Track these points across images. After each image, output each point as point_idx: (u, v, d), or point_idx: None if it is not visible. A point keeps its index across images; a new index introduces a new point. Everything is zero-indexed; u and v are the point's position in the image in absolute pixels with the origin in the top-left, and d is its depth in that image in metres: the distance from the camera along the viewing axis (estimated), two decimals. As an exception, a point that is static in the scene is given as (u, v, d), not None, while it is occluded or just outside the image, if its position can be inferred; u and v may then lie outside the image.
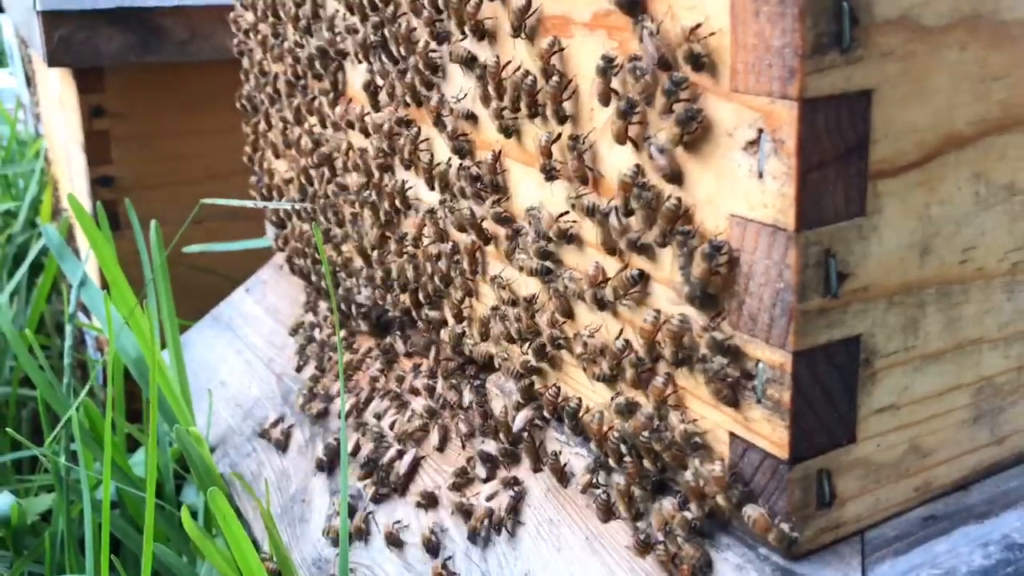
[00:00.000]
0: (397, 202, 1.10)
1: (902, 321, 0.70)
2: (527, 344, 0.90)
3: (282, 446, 1.20)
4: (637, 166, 0.73)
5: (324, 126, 1.25)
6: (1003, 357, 0.76)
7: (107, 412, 1.12)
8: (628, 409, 0.78)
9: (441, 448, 1.03)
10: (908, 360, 0.71)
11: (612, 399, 0.80)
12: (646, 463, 0.78)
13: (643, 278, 0.76)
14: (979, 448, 0.77)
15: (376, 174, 1.14)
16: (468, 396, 1.00)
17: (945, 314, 0.72)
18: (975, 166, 0.70)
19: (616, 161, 0.77)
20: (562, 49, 0.79)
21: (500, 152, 0.91)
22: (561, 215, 0.84)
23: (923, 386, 0.73)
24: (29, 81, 2.84)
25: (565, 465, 0.88)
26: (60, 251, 1.51)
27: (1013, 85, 0.69)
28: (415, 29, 0.99)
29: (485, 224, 0.95)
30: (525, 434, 0.92)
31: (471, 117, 0.94)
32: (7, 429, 1.27)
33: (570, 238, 0.84)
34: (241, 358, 1.48)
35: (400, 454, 1.04)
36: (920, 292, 0.70)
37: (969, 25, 0.66)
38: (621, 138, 0.74)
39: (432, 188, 1.02)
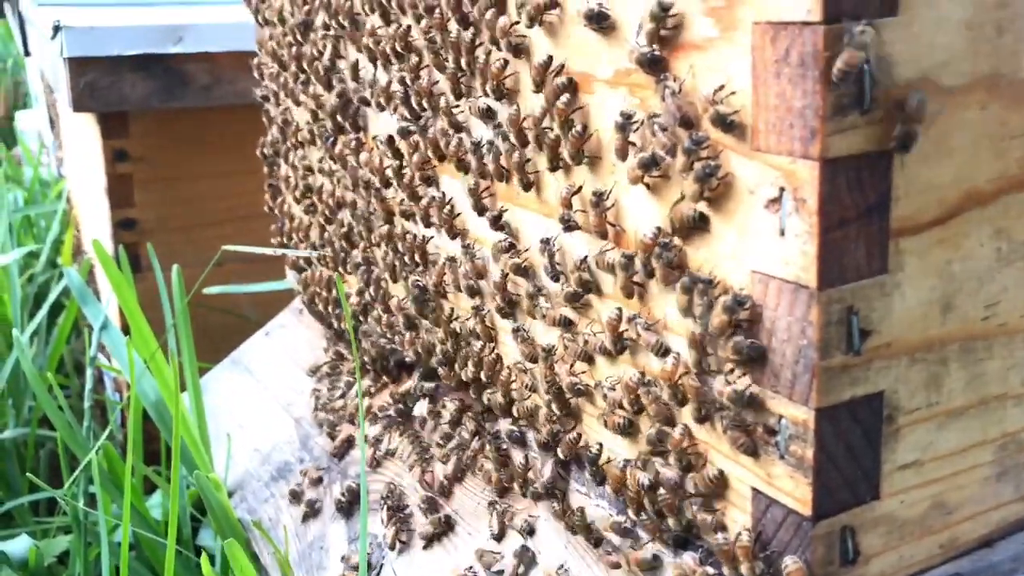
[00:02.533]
0: (416, 256, 1.11)
1: (925, 377, 0.70)
2: (548, 394, 0.90)
3: (312, 509, 1.20)
4: (658, 228, 0.74)
5: (346, 173, 1.26)
6: (1027, 413, 0.76)
7: (127, 457, 1.12)
8: (648, 460, 0.79)
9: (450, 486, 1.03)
10: (931, 416, 0.71)
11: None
12: (671, 523, 0.78)
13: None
14: (1004, 504, 0.77)
15: (398, 223, 1.15)
16: (488, 444, 1.00)
17: (968, 370, 0.72)
18: (996, 223, 0.70)
19: (637, 215, 0.77)
20: (574, 89, 0.80)
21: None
22: (582, 261, 0.84)
23: (947, 442, 0.72)
24: (52, 123, 2.88)
25: (592, 524, 0.88)
26: (82, 294, 1.53)
27: (1033, 143, 0.70)
28: (437, 83, 1.00)
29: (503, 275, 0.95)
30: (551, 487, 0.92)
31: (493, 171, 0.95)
32: (27, 474, 1.28)
33: (588, 287, 0.84)
34: (260, 402, 1.49)
35: (426, 504, 1.04)
36: (943, 348, 0.70)
37: (988, 84, 0.67)
38: (636, 183, 0.75)
39: (453, 238, 1.03)
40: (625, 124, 0.74)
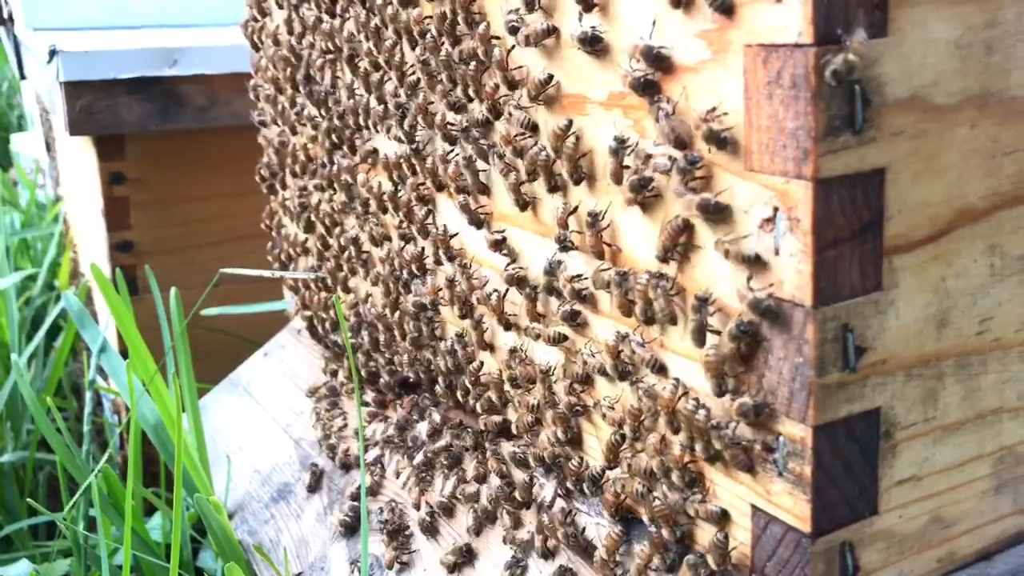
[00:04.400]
0: (414, 275, 1.12)
1: (921, 393, 0.70)
2: (549, 414, 0.91)
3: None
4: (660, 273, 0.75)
5: (342, 194, 1.27)
6: (1023, 426, 0.76)
7: (128, 481, 1.12)
8: (648, 476, 0.79)
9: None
10: (928, 431, 0.71)
11: (630, 465, 0.81)
12: (666, 533, 0.79)
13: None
14: (1002, 517, 0.77)
15: (396, 242, 1.15)
16: (490, 464, 1.00)
17: (964, 385, 0.72)
18: (989, 239, 0.71)
19: (632, 234, 0.78)
20: (571, 126, 0.81)
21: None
22: (575, 277, 0.85)
23: (944, 457, 0.73)
24: (48, 146, 2.89)
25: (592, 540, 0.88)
26: (81, 319, 1.53)
27: (1023, 159, 0.71)
28: (432, 103, 1.01)
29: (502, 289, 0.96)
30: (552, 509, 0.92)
31: (486, 190, 0.96)
32: (27, 499, 1.27)
33: (584, 299, 0.85)
34: (259, 423, 1.49)
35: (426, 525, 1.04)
36: (938, 364, 0.71)
37: (979, 103, 0.67)
38: (632, 203, 0.75)
39: (451, 260, 1.04)
40: (619, 148, 0.75)
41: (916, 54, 0.64)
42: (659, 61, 0.70)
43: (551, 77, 0.82)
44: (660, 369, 0.77)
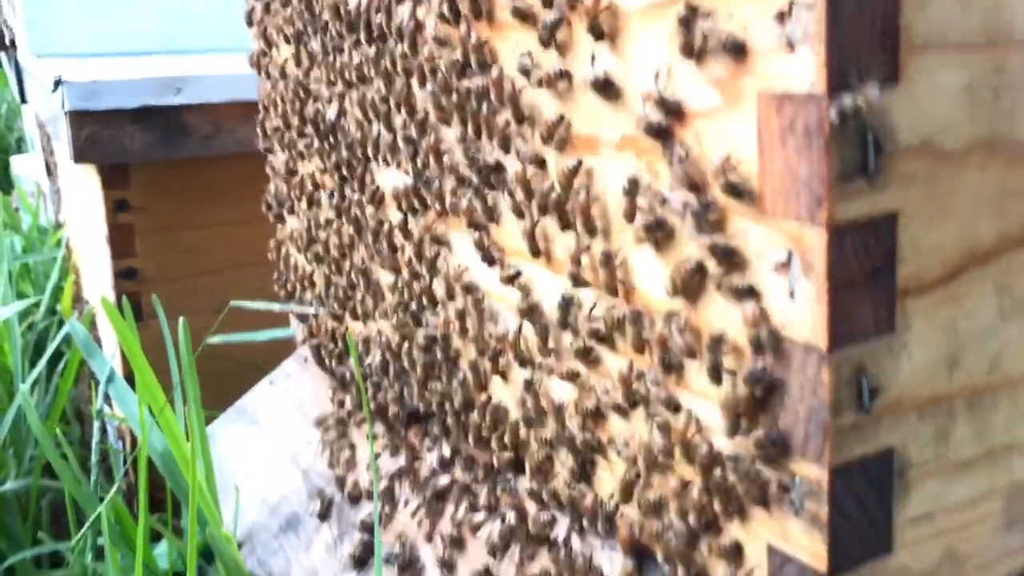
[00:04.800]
0: (425, 300, 1.13)
1: (933, 432, 0.71)
2: (563, 451, 0.91)
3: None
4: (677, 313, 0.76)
5: (351, 226, 1.28)
6: (1033, 462, 0.77)
7: (140, 514, 1.13)
8: (659, 509, 0.80)
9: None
10: (941, 469, 0.72)
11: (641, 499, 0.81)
12: (681, 572, 0.79)
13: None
14: (1013, 553, 0.78)
15: (405, 274, 1.16)
16: (503, 499, 1.01)
17: (975, 423, 0.73)
18: (998, 280, 0.72)
19: (645, 273, 0.79)
20: (579, 166, 0.82)
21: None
22: (589, 313, 0.85)
23: (956, 494, 0.74)
24: (50, 171, 2.90)
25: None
26: (87, 348, 1.53)
27: (1032, 201, 0.72)
28: (443, 139, 1.02)
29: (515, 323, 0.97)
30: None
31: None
32: (36, 531, 1.28)
33: (599, 336, 0.86)
34: (266, 452, 1.49)
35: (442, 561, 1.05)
36: (950, 403, 0.72)
37: (987, 147, 0.69)
38: (643, 243, 0.77)
39: (466, 293, 1.05)
40: (632, 189, 0.76)
41: (926, 101, 0.65)
42: (672, 112, 0.71)
43: (562, 118, 0.84)
44: (675, 408, 0.78)
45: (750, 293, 0.69)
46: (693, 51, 0.69)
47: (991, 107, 0.68)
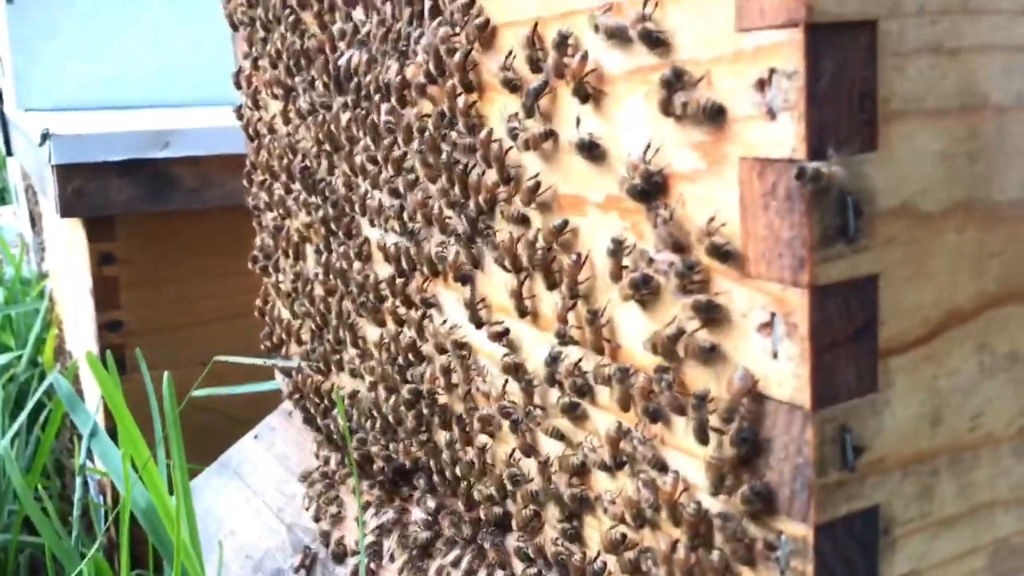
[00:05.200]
0: (411, 355, 1.13)
1: (917, 489, 0.72)
2: (550, 509, 0.92)
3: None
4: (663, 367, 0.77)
5: (338, 281, 1.28)
6: (1017, 519, 0.78)
7: (122, 571, 1.12)
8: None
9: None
10: (925, 526, 0.73)
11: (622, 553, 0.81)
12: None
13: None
14: (999, 609, 0.79)
15: (392, 329, 1.17)
16: (490, 555, 1.01)
17: (958, 480, 0.74)
18: (978, 338, 0.73)
19: (632, 331, 0.80)
20: (568, 227, 0.83)
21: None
22: (575, 369, 0.86)
23: (941, 550, 0.74)
24: (34, 222, 2.90)
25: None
26: (71, 402, 1.53)
27: (1008, 261, 0.73)
28: (430, 197, 1.03)
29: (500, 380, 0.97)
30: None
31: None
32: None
33: (584, 393, 0.86)
34: (250, 507, 1.48)
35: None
36: (933, 460, 0.72)
37: (965, 209, 0.70)
38: (628, 300, 0.77)
39: (454, 348, 1.05)
40: (616, 250, 0.77)
41: (904, 165, 0.66)
42: (655, 182, 0.73)
43: (538, 184, 0.85)
44: (662, 467, 0.78)
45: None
46: (675, 115, 0.70)
47: (967, 171, 0.70)
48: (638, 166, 0.73)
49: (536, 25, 0.83)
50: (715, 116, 0.68)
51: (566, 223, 0.84)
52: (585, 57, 0.78)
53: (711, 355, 0.71)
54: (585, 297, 0.84)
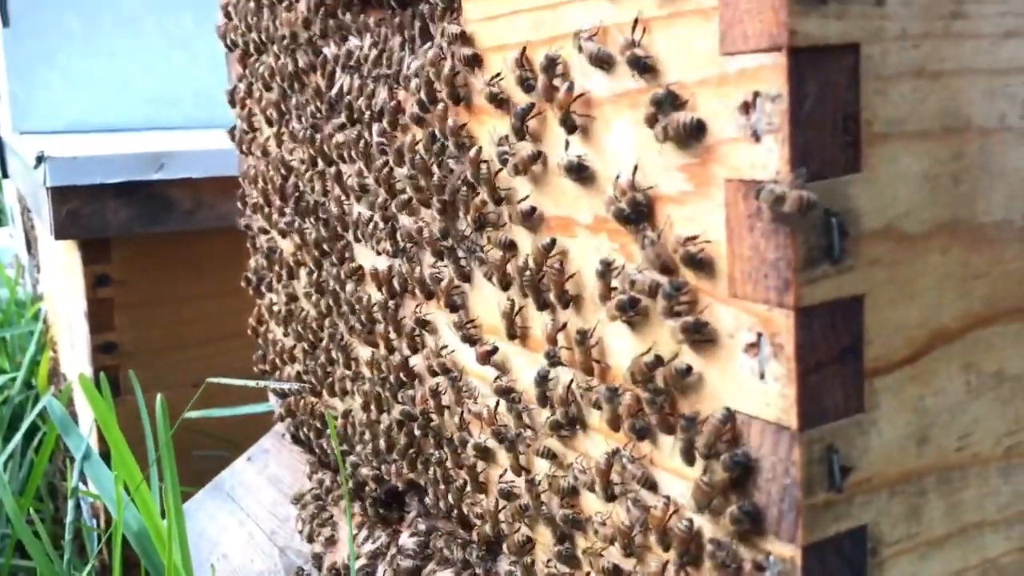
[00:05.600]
0: (403, 375, 1.13)
1: (905, 509, 0.72)
2: (542, 529, 0.92)
3: None
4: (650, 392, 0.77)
5: (331, 302, 1.29)
6: (1005, 539, 0.78)
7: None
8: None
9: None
10: (914, 547, 0.73)
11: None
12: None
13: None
14: (988, 630, 0.79)
15: (383, 350, 1.17)
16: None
17: (946, 500, 0.74)
18: (964, 358, 0.73)
19: (621, 352, 0.80)
20: (553, 245, 0.84)
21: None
22: (565, 390, 0.86)
23: (929, 571, 0.74)
24: (29, 245, 2.90)
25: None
26: (64, 425, 1.52)
27: (993, 281, 0.74)
28: (423, 218, 1.04)
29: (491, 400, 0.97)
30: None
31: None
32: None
33: (573, 420, 0.86)
34: (243, 530, 1.48)
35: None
36: (921, 480, 0.73)
37: (949, 230, 0.71)
38: (615, 320, 0.78)
39: (443, 372, 1.05)
40: (605, 271, 0.78)
41: (888, 187, 0.67)
42: (641, 209, 0.74)
43: (534, 209, 0.86)
44: (651, 486, 0.78)
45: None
46: (662, 138, 0.71)
47: (951, 191, 0.70)
48: (625, 191, 0.74)
49: (524, 49, 0.84)
50: (696, 133, 0.68)
51: (553, 242, 0.84)
52: (571, 88, 0.79)
53: (687, 378, 0.72)
54: (575, 315, 0.84)
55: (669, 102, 0.70)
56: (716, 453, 0.70)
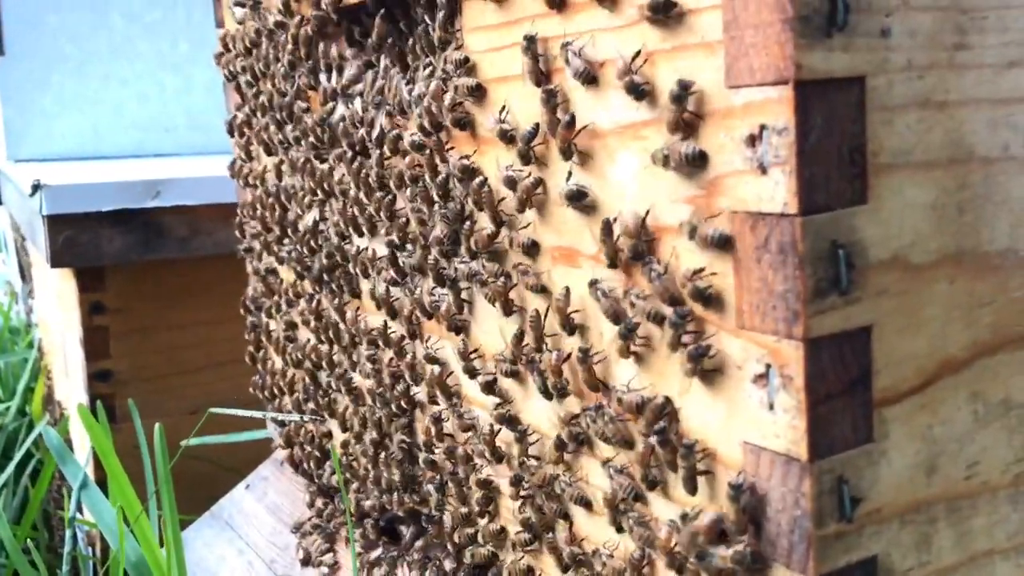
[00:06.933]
0: (403, 403, 1.13)
1: (915, 538, 0.72)
2: (545, 559, 0.91)
3: None
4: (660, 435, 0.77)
5: (330, 330, 1.28)
6: (1015, 566, 0.78)
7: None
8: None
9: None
10: (924, 576, 0.73)
11: None
12: None
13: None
14: (999, 659, 0.78)
15: (385, 378, 1.16)
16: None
17: (955, 528, 0.74)
18: (972, 387, 0.73)
19: (625, 377, 0.80)
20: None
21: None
22: (573, 418, 0.86)
23: (940, 600, 0.74)
24: (23, 272, 2.89)
25: None
26: (61, 454, 1.51)
27: (999, 309, 0.74)
28: (425, 246, 1.03)
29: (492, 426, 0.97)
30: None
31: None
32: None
33: (581, 442, 0.86)
34: (242, 559, 1.47)
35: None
36: (930, 509, 0.72)
37: (955, 259, 0.71)
38: (624, 354, 0.78)
39: (448, 399, 1.05)
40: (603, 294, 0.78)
41: (895, 218, 0.67)
42: (640, 252, 0.74)
43: (535, 244, 0.86)
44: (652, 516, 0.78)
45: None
46: (662, 164, 0.71)
47: (957, 221, 0.70)
48: (629, 227, 0.74)
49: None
50: (698, 162, 0.68)
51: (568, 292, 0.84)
52: (573, 121, 0.79)
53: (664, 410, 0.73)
54: (580, 341, 0.84)
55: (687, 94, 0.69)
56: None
